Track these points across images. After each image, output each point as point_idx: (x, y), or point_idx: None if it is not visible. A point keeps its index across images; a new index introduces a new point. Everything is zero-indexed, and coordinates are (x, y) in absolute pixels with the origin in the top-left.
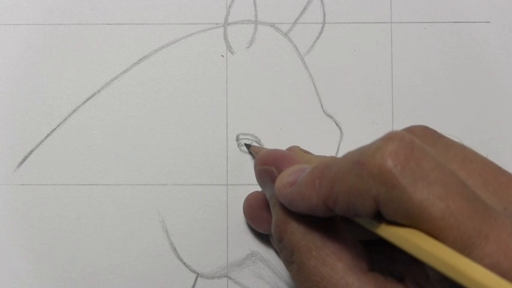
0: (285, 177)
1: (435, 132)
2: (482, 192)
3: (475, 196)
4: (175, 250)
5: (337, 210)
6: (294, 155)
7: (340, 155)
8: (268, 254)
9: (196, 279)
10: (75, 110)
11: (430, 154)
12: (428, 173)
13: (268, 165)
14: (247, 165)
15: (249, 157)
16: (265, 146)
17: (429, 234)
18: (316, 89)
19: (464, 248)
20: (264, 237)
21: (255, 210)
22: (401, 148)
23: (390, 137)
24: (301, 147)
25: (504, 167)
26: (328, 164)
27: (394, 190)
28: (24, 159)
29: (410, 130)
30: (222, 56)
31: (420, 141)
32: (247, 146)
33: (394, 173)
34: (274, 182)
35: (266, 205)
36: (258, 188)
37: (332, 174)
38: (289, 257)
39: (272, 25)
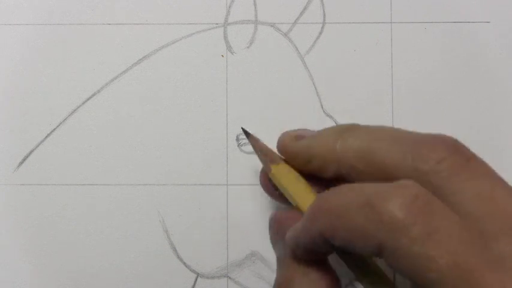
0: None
1: (463, 153)
2: (502, 237)
3: (487, 249)
4: (175, 250)
5: (335, 242)
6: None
7: None
8: (268, 254)
9: (196, 279)
10: (75, 110)
11: (444, 208)
12: (440, 228)
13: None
14: (247, 165)
15: (249, 157)
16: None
17: None
18: (316, 89)
19: None
20: (264, 237)
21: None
22: (416, 199)
23: (405, 186)
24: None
25: (504, 167)
26: (326, 197)
27: (403, 240)
28: (24, 159)
29: (441, 140)
30: (222, 56)
31: (446, 166)
32: (246, 133)
33: (406, 224)
34: (284, 239)
35: None
36: (259, 188)
37: (332, 206)
38: None
39: (272, 25)
